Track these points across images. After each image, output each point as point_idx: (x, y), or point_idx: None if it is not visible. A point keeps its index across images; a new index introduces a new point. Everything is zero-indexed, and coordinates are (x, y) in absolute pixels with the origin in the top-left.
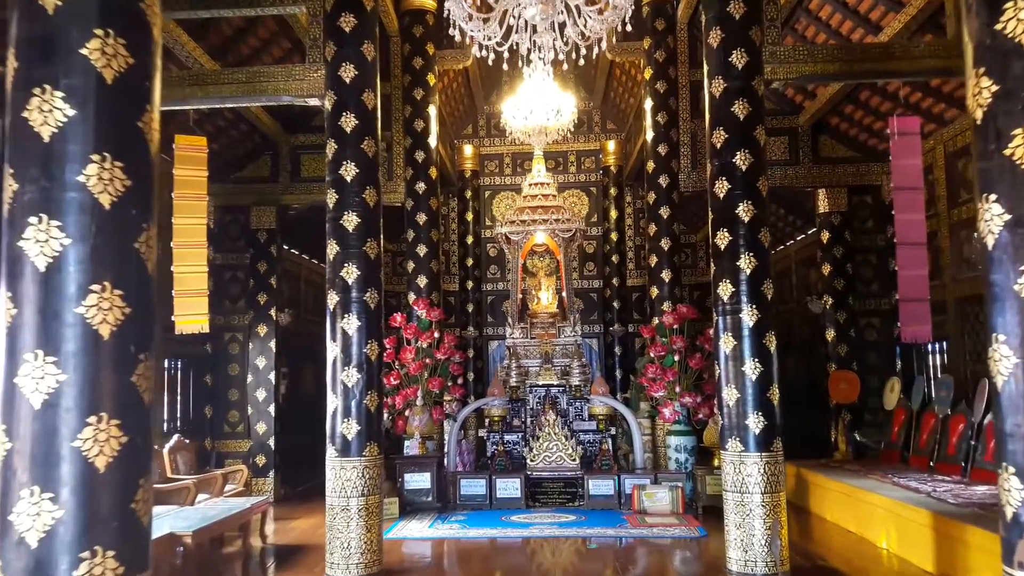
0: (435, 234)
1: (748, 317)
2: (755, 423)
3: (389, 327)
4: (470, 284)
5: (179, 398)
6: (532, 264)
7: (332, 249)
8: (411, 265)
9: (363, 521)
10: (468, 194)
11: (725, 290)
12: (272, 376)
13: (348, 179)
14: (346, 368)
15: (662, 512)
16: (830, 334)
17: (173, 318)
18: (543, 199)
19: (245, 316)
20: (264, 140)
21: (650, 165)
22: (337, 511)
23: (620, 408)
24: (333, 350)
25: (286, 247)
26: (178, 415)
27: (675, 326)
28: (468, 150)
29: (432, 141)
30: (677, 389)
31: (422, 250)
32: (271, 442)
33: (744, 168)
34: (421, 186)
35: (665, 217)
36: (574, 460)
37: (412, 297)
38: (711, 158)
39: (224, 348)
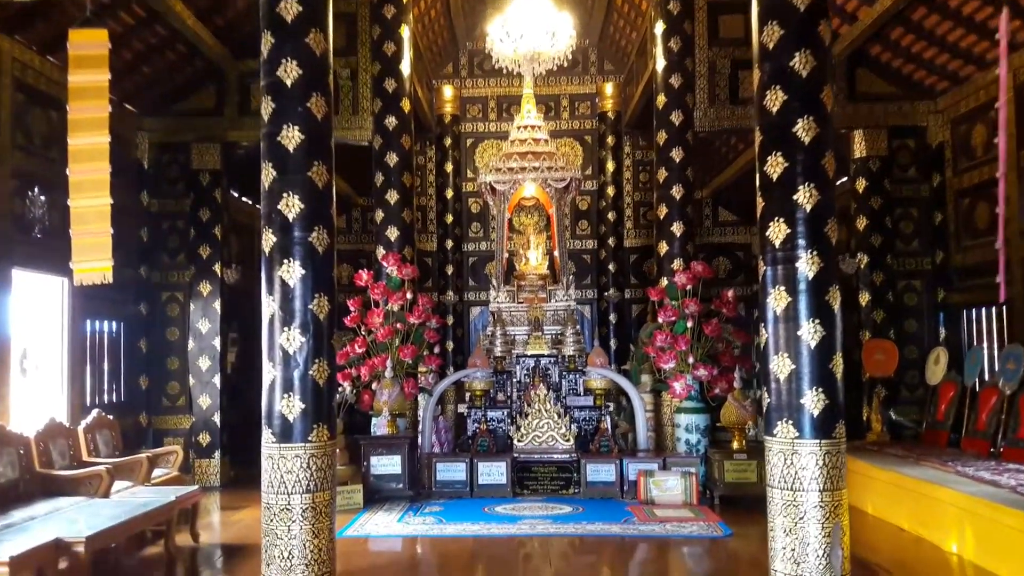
0: (408, 178)
1: (807, 266)
2: (813, 402)
3: (354, 287)
4: (449, 243)
5: (107, 367)
6: (519, 222)
7: (268, 175)
8: (379, 215)
9: (309, 525)
10: (447, 142)
11: (777, 232)
12: (217, 342)
13: (288, 82)
14: (287, 329)
15: (673, 503)
16: (864, 298)
17: (71, 265)
18: (533, 144)
19: (185, 272)
20: (208, 66)
21: (660, 100)
22: (276, 512)
23: (621, 382)
24: (270, 306)
25: (234, 193)
26: (105, 387)
27: (688, 287)
28: (448, 92)
29: (405, 68)
30: (690, 360)
31: (392, 196)
32: (216, 418)
33: (804, 74)
34: (392, 121)
35: (678, 161)
36: (568, 440)
37: (381, 252)
38: (760, 62)
39: (161, 309)
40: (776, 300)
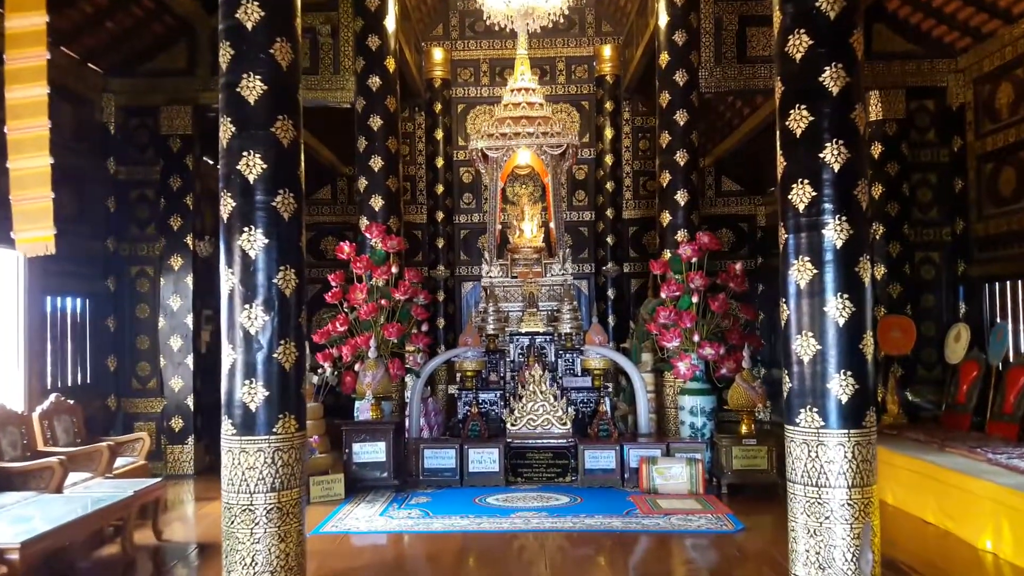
0: (393, 143)
1: (834, 233)
2: (841, 387)
3: (335, 261)
4: (440, 216)
5: (70, 347)
6: (513, 192)
7: (226, 131)
8: (362, 183)
9: (274, 527)
10: (437, 108)
11: (800, 195)
12: (190, 320)
13: (249, 25)
14: (248, 306)
15: (678, 492)
16: (880, 271)
17: (13, 235)
18: (528, 108)
19: (155, 245)
20: (178, 23)
21: (663, 58)
22: (236, 513)
23: (621, 361)
24: (229, 280)
25: (207, 159)
26: (68, 369)
27: (694, 260)
28: (438, 55)
29: (390, 24)
30: (695, 338)
31: (377, 163)
32: (189, 401)
33: (832, 15)
34: (375, 81)
35: (682, 124)
36: (565, 425)
37: (364, 223)
38: (781, 4)
39: (130, 284)
40: (799, 272)
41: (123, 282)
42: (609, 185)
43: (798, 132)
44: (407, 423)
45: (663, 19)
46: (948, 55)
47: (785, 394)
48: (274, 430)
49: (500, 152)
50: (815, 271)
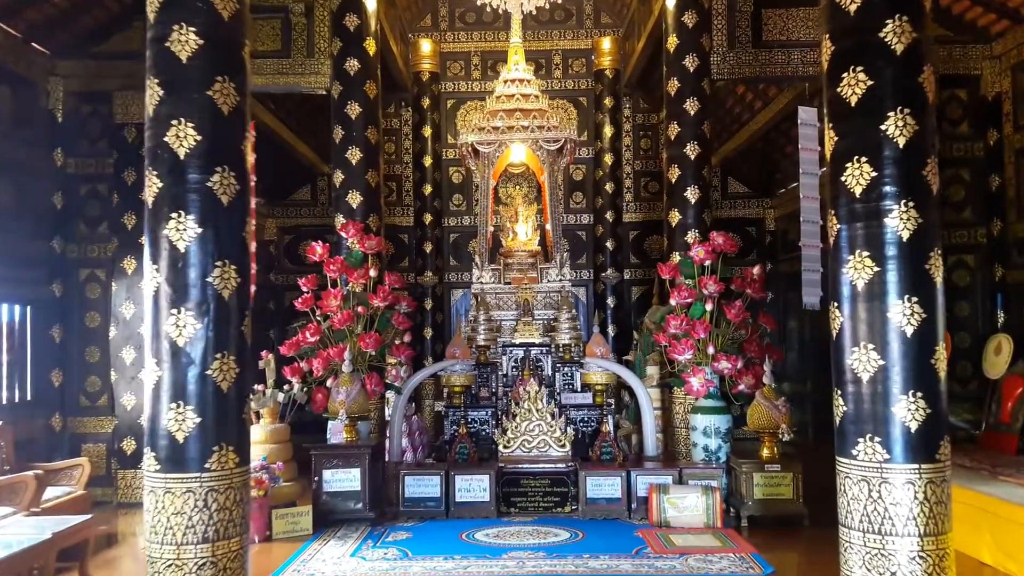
0: (373, 133)
1: (899, 223)
2: (910, 411)
3: (307, 263)
4: (428, 218)
5: (5, 358)
6: (506, 193)
7: (152, 95)
8: (339, 177)
9: None
10: (425, 103)
11: (857, 176)
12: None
13: None
14: (176, 311)
15: (693, 526)
16: None
17: None
18: (522, 100)
19: (107, 246)
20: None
21: (671, 42)
22: (161, 569)
23: (626, 375)
24: (153, 279)
25: None
26: (3, 384)
27: (707, 263)
28: (426, 47)
29: (370, 2)
30: (710, 350)
31: (354, 155)
32: (144, 420)
33: None
34: (353, 65)
35: (692, 114)
36: (563, 447)
37: (340, 221)
38: None
39: (79, 289)
40: (856, 271)
41: (70, 287)
42: (608, 186)
43: (853, 100)
44: (388, 445)
45: (671, 0)
46: (982, 40)
47: (837, 419)
48: (207, 466)
49: (492, 147)
50: (876, 269)
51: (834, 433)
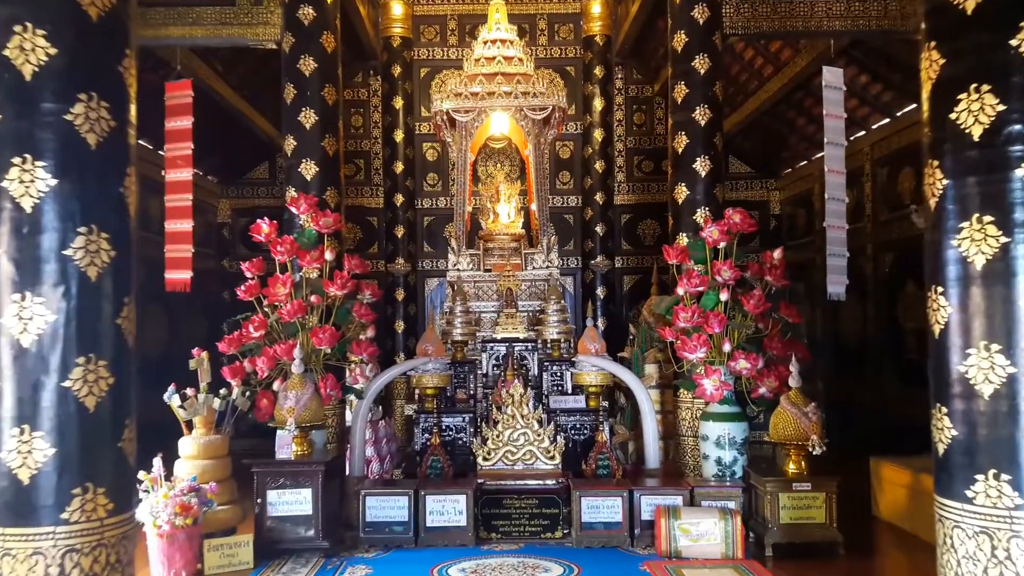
0: (331, 92)
1: None
2: None
3: (251, 244)
4: (399, 199)
5: None
6: (485, 172)
7: None
8: (290, 144)
9: None
10: (396, 71)
11: (974, 111)
12: None
13: None
14: (20, 296)
15: (708, 556)
16: None
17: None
18: (504, 63)
19: None
20: None
21: None
22: None
23: (624, 376)
24: None
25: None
26: None
27: (722, 244)
28: (397, 9)
29: None
30: (726, 347)
31: (309, 118)
32: None
33: None
34: (308, 13)
35: (702, 73)
36: (553, 459)
37: (291, 194)
38: None
39: None
40: (972, 241)
41: None
42: (599, 165)
43: (969, 7)
44: (349, 457)
45: None
46: None
47: (941, 448)
48: (65, 516)
49: (470, 116)
50: (1002, 240)
51: (934, 466)
